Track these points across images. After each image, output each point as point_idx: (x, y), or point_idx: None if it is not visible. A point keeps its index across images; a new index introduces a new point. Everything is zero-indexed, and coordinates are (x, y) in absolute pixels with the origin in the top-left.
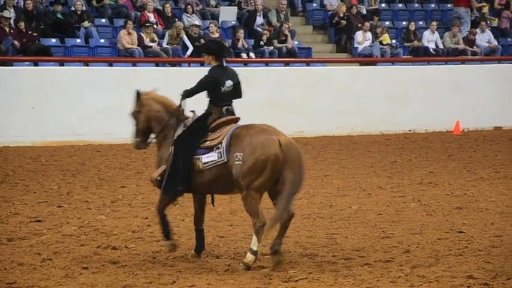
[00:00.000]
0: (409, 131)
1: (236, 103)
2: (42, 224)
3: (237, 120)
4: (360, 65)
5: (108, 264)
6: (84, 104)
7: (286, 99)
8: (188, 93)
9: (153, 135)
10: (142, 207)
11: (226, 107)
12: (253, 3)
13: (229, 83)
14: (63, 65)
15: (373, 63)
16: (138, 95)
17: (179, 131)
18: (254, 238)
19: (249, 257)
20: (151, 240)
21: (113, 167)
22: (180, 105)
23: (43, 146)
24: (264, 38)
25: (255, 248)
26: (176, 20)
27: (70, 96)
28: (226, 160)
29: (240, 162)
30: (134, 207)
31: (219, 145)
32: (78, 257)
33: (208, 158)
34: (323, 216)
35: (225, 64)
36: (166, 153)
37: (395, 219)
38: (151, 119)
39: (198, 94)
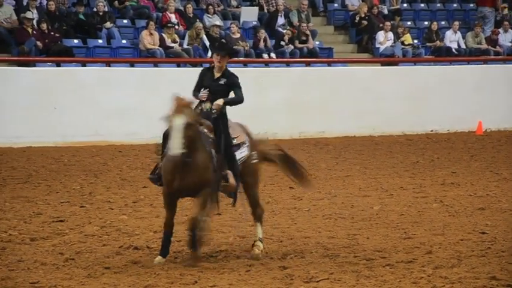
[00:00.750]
0: (431, 131)
1: (256, 103)
2: (65, 224)
3: None
4: (382, 65)
5: (130, 264)
6: (106, 104)
7: (307, 100)
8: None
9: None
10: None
11: None
12: (274, 4)
13: None
14: (85, 66)
15: (395, 64)
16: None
17: (211, 136)
18: (260, 227)
19: (260, 245)
20: (173, 240)
21: (135, 167)
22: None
23: (65, 147)
24: (286, 38)
25: (262, 236)
26: (197, 20)
27: (92, 97)
28: (250, 152)
29: (257, 160)
30: (156, 208)
31: (245, 141)
32: (100, 257)
33: (241, 154)
34: (344, 216)
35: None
36: (206, 158)
37: (418, 220)
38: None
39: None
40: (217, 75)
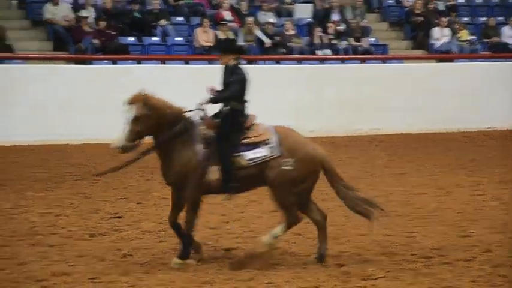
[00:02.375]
0: (488, 128)
1: (311, 101)
2: (122, 221)
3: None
4: (437, 61)
5: (188, 261)
6: None
7: (361, 97)
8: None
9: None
10: (220, 204)
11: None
12: (328, 0)
13: None
14: (140, 63)
15: (451, 60)
16: (147, 97)
17: (207, 132)
18: (280, 228)
19: (266, 240)
20: (229, 236)
21: None
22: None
23: None
24: (331, 30)
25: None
26: (251, 18)
27: None
28: (279, 155)
29: (290, 168)
30: (212, 204)
31: (269, 141)
32: (158, 253)
33: (255, 154)
34: (401, 214)
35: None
36: (192, 156)
37: (475, 218)
38: (160, 123)
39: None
40: (222, 72)
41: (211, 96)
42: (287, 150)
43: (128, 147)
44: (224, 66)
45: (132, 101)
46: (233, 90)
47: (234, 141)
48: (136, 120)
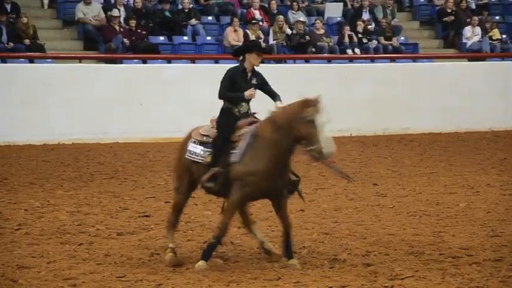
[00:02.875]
0: None
1: (340, 99)
2: (150, 219)
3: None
4: (469, 60)
5: (214, 259)
6: (190, 100)
7: (391, 96)
8: None
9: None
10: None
11: None
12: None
13: None
14: (170, 63)
15: (482, 59)
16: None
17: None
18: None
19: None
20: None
21: None
22: None
23: (151, 142)
24: (360, 29)
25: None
26: (281, 16)
27: (177, 93)
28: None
29: None
30: None
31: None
32: (185, 252)
33: None
34: (429, 214)
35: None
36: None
37: (505, 218)
38: None
39: None
40: (249, 74)
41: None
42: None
43: None
44: (247, 67)
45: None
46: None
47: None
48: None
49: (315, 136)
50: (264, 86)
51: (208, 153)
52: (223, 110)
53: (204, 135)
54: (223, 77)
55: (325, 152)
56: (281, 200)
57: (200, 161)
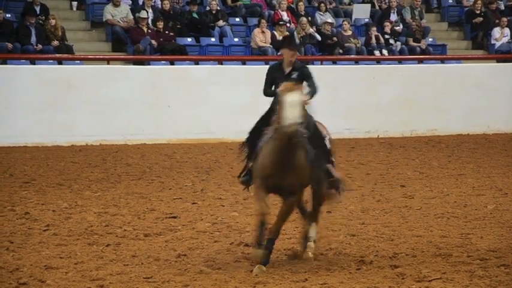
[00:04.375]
0: None
1: (368, 101)
2: (177, 220)
3: None
4: (497, 61)
5: (241, 260)
6: (217, 102)
7: (419, 97)
8: None
9: None
10: (274, 205)
11: None
12: (387, 1)
13: None
14: (198, 64)
15: (511, 60)
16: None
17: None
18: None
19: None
20: (283, 237)
21: None
22: None
23: (178, 144)
24: (388, 29)
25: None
26: (309, 18)
27: (204, 95)
28: None
29: None
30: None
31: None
32: (212, 253)
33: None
34: (457, 215)
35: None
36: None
37: None
38: None
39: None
40: (287, 70)
41: (309, 95)
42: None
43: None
44: (285, 63)
45: (291, 89)
46: (315, 85)
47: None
48: (302, 104)
49: (280, 113)
50: (305, 80)
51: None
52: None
53: None
54: (266, 76)
55: (285, 125)
56: (291, 196)
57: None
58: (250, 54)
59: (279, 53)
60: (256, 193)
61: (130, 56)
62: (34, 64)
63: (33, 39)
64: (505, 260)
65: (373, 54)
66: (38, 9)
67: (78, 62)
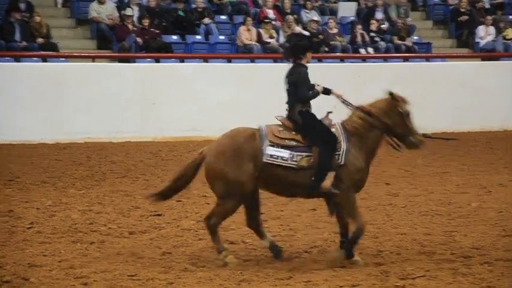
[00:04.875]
0: None
1: (354, 99)
2: (162, 218)
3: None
4: (482, 60)
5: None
6: (203, 99)
7: (404, 95)
8: None
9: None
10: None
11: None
12: None
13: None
14: (183, 62)
15: (496, 59)
16: None
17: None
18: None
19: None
20: (268, 235)
21: None
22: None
23: (163, 141)
24: (373, 27)
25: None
26: (295, 16)
27: (190, 92)
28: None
29: None
30: None
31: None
32: (196, 251)
33: None
34: (441, 213)
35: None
36: None
37: None
38: None
39: None
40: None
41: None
42: None
43: None
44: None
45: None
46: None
47: None
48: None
49: (413, 128)
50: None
51: (301, 157)
52: (305, 113)
53: (286, 138)
54: (304, 78)
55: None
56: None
57: (292, 165)
58: (235, 52)
59: (300, 55)
60: (356, 205)
61: (116, 54)
62: (19, 61)
63: (18, 36)
64: (488, 258)
65: (359, 52)
66: (22, 6)
67: (63, 59)
